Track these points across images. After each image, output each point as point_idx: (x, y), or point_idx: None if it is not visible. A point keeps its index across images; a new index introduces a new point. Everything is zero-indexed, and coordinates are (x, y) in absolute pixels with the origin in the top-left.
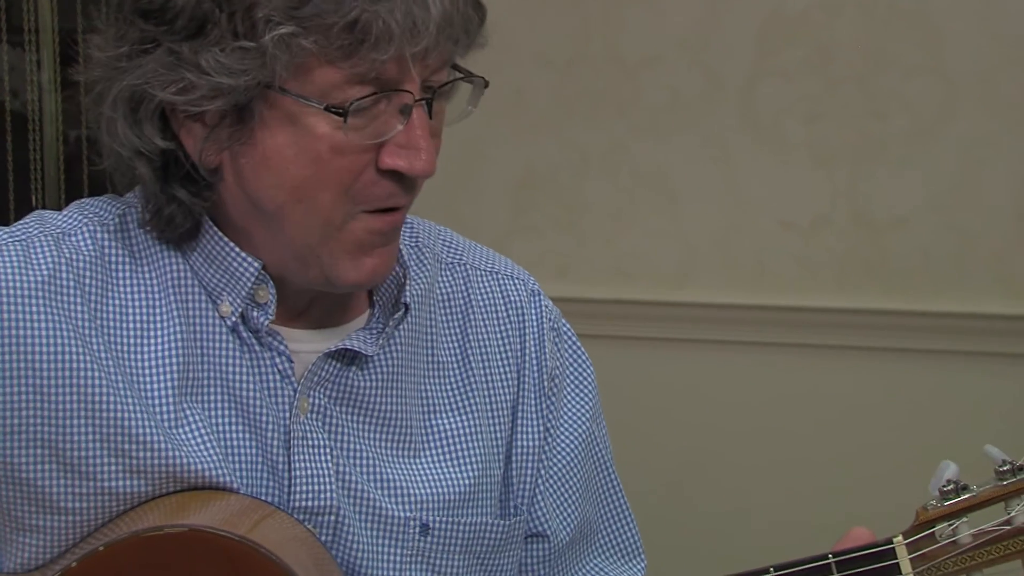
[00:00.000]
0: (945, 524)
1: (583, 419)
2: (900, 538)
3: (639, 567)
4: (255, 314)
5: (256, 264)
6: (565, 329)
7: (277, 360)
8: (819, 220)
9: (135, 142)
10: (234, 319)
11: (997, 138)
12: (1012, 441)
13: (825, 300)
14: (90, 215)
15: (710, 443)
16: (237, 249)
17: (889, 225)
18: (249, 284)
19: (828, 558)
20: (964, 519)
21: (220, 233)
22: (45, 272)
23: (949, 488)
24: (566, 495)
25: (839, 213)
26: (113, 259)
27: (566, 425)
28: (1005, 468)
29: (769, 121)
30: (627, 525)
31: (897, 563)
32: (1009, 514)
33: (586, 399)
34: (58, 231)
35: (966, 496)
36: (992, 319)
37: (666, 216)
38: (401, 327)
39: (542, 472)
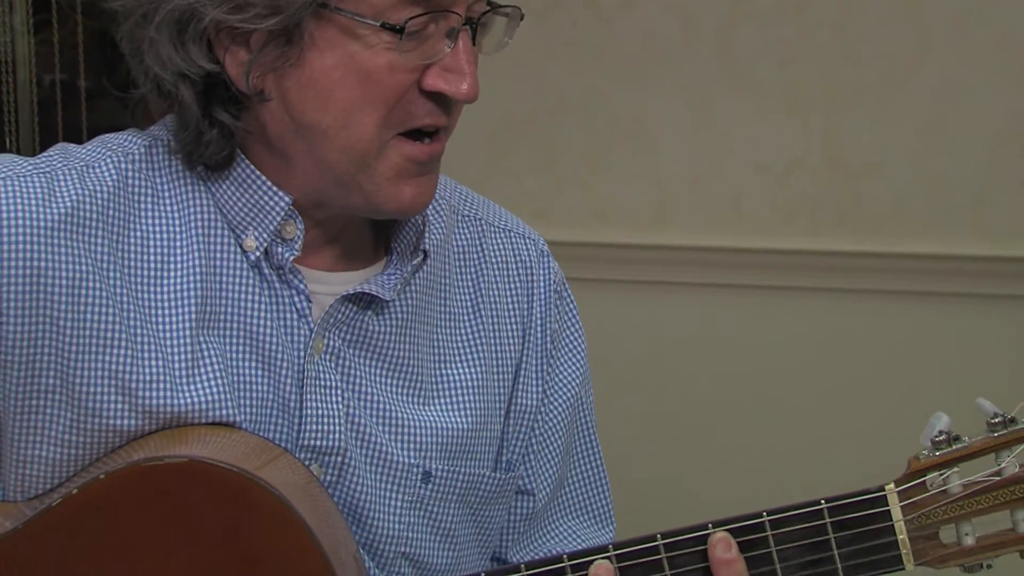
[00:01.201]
0: (936, 474)
1: (573, 383)
2: (892, 486)
3: (608, 533)
4: (280, 250)
5: (287, 199)
6: (566, 293)
7: (296, 299)
8: (794, 164)
9: (180, 64)
10: (257, 254)
11: (970, 83)
12: (983, 377)
13: (799, 243)
14: (114, 147)
15: (686, 384)
16: (269, 183)
17: (863, 169)
18: (278, 219)
19: (820, 503)
20: (955, 469)
21: (252, 166)
22: (68, 205)
23: (941, 439)
24: (550, 455)
25: (813, 157)
26: (136, 191)
27: (558, 387)
28: (996, 420)
29: (744, 65)
30: (602, 491)
31: (888, 510)
32: (999, 465)
33: (577, 364)
34: (82, 164)
35: (958, 447)
36: (964, 260)
37: (642, 160)
38: (417, 275)
39: (534, 431)
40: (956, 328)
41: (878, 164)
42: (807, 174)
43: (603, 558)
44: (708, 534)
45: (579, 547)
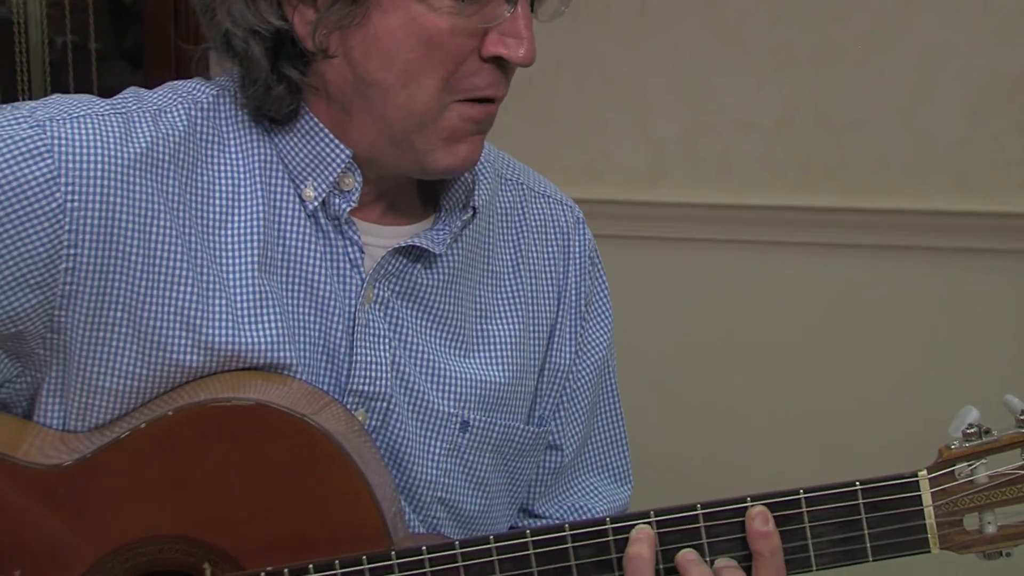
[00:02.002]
0: (965, 464)
1: (601, 346)
2: (924, 472)
3: (626, 492)
4: (337, 201)
5: (347, 152)
6: (599, 261)
7: (350, 249)
8: (781, 122)
9: (251, 21)
10: (315, 204)
11: (953, 42)
12: (964, 328)
13: (787, 199)
14: (184, 95)
15: (677, 335)
16: (331, 135)
17: (848, 126)
18: (338, 170)
19: (855, 485)
20: (983, 461)
21: (316, 118)
22: (144, 145)
23: (972, 431)
24: (576, 414)
25: (801, 115)
26: (204, 138)
27: (587, 349)
28: None
29: (734, 26)
30: (621, 452)
31: (919, 495)
32: None
33: (606, 328)
34: (155, 108)
35: (988, 440)
36: (947, 216)
37: (635, 119)
38: (464, 232)
39: (565, 390)
40: (938, 281)
41: (863, 122)
42: (795, 132)
43: (644, 523)
44: (746, 507)
45: (599, 503)
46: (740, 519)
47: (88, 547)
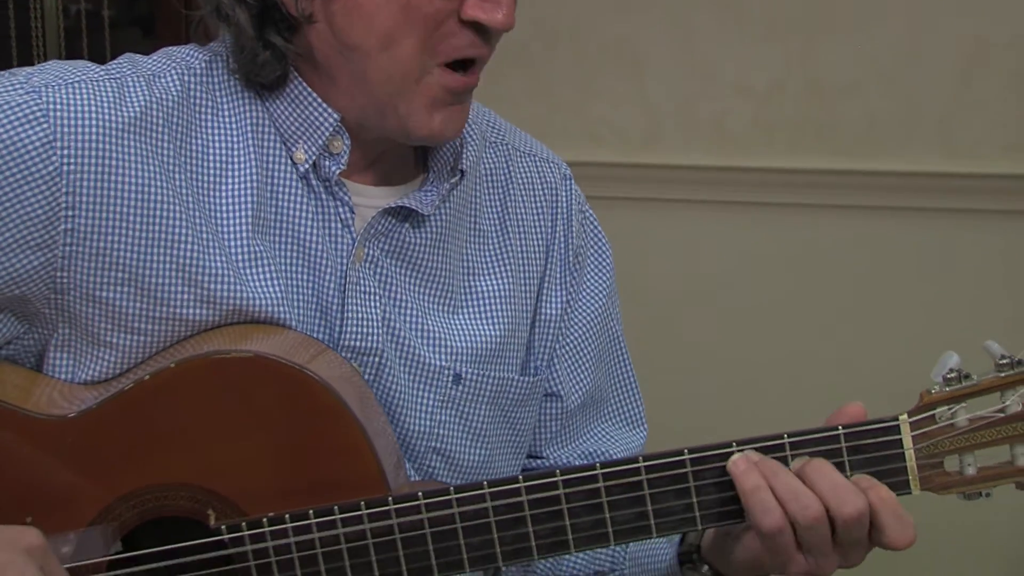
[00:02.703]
0: (945, 408)
1: (601, 295)
2: (905, 416)
3: (641, 435)
4: (327, 163)
5: (335, 116)
6: (589, 213)
7: (341, 210)
8: (774, 86)
9: None
10: (306, 167)
11: (940, 9)
12: (949, 285)
13: (779, 161)
14: (177, 60)
15: (672, 294)
16: (320, 100)
17: (838, 90)
18: (326, 134)
19: (838, 429)
20: (963, 404)
21: (304, 83)
22: (138, 109)
23: (952, 376)
24: (580, 362)
25: (793, 80)
26: (197, 102)
27: (585, 299)
28: (1004, 362)
29: None
30: (633, 397)
31: (900, 439)
32: (1004, 403)
33: (604, 277)
34: (149, 73)
35: (967, 384)
36: (933, 177)
37: (631, 84)
38: (452, 194)
39: (560, 340)
40: (925, 239)
41: (853, 86)
42: (787, 96)
43: (633, 468)
44: (732, 451)
45: (614, 447)
46: (724, 463)
47: (96, 494)
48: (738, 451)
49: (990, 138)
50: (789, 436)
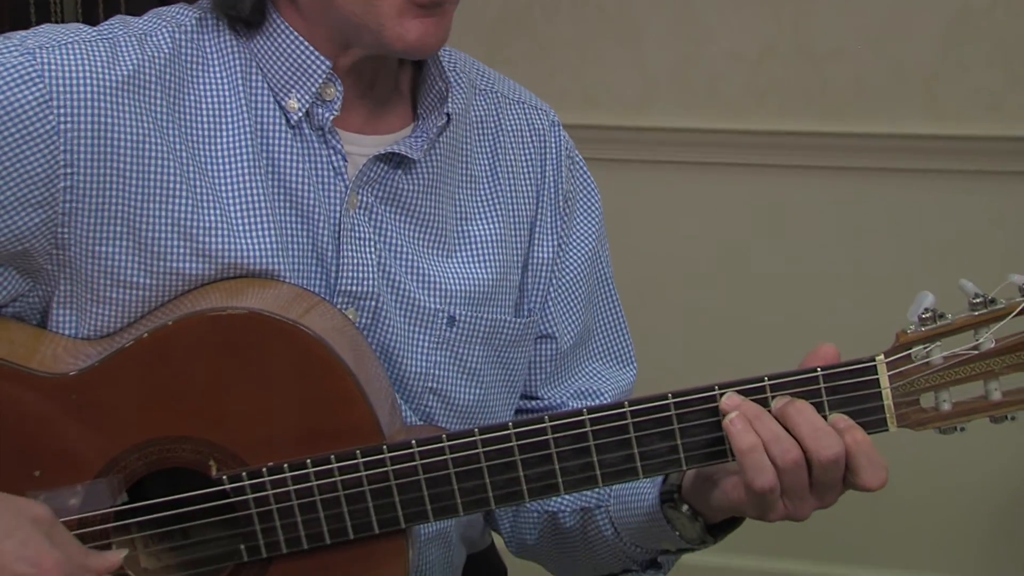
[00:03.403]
0: (921, 347)
1: (591, 238)
2: (882, 357)
3: (631, 373)
4: (320, 111)
5: (327, 63)
6: (578, 158)
7: (334, 158)
8: (766, 51)
9: None
10: (299, 115)
11: None
12: (932, 243)
13: (770, 124)
14: (167, 19)
15: (667, 252)
16: (309, 45)
17: (827, 55)
18: (319, 81)
19: (817, 371)
20: (938, 343)
21: (285, 22)
22: (130, 68)
23: (927, 316)
24: (572, 304)
25: (783, 45)
26: (188, 59)
27: (575, 242)
28: (978, 300)
29: None
30: (623, 336)
31: (877, 378)
32: (977, 341)
33: (594, 221)
34: (140, 32)
35: (942, 323)
36: (918, 139)
37: (628, 49)
38: (441, 141)
39: (553, 282)
40: (909, 200)
41: (841, 51)
42: (778, 61)
43: (619, 413)
44: (715, 395)
45: (605, 385)
46: (709, 406)
47: (101, 448)
48: (720, 393)
49: (974, 101)
50: (769, 379)
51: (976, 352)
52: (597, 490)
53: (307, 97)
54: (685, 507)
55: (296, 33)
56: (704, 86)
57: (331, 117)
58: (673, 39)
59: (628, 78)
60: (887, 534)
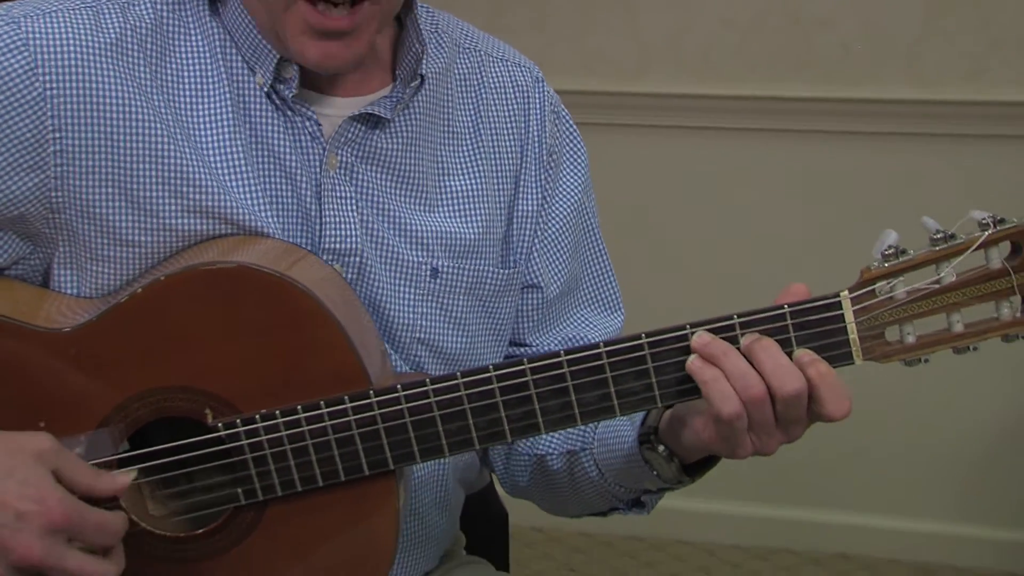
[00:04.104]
0: (884, 282)
1: (576, 190)
2: (846, 293)
3: (618, 319)
4: (280, 87)
5: (275, 54)
6: (563, 112)
7: (307, 124)
8: (756, 20)
9: None
10: (267, 88)
11: None
12: (916, 203)
13: (761, 90)
14: None
15: (661, 214)
16: (259, 36)
17: (815, 24)
18: (273, 64)
19: (784, 308)
20: (901, 279)
21: (244, 10)
22: (113, 35)
23: (890, 252)
24: (558, 254)
25: (773, 13)
26: (170, 28)
27: (561, 194)
28: (938, 236)
29: None
30: (609, 283)
31: (842, 314)
32: (939, 275)
33: (579, 173)
34: (123, 1)
35: (904, 259)
36: (902, 104)
37: (624, 18)
38: (420, 98)
39: (539, 233)
40: (894, 162)
41: (829, 19)
42: (768, 29)
43: (595, 354)
44: (687, 333)
45: (592, 331)
46: (681, 344)
47: (101, 399)
48: (691, 332)
49: (955, 67)
50: (739, 317)
51: (938, 286)
52: (582, 433)
53: (267, 74)
54: (661, 448)
55: (249, 16)
56: (697, 53)
57: (291, 93)
58: (667, 8)
59: (623, 46)
60: (867, 480)
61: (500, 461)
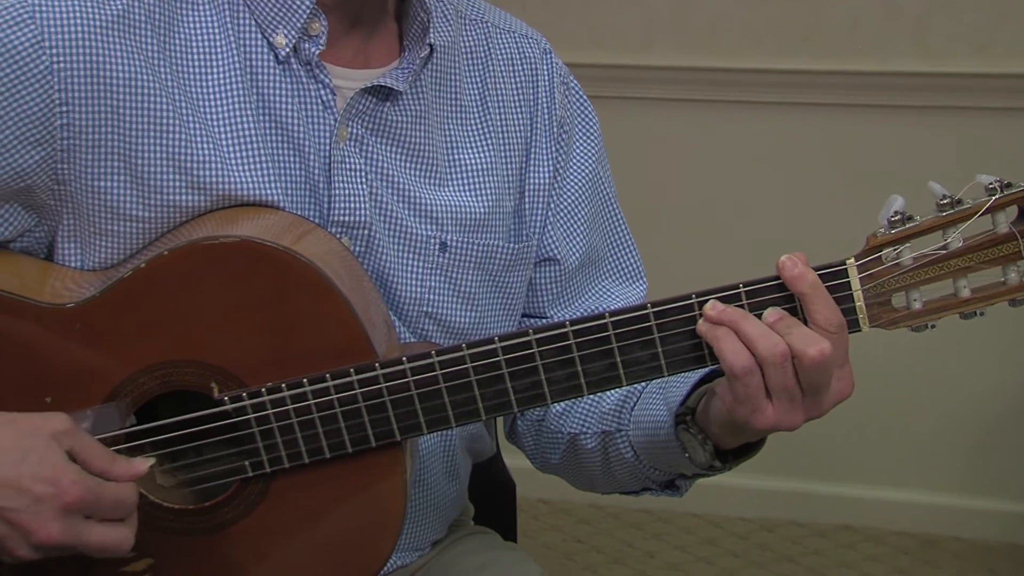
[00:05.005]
0: (891, 249)
1: (590, 160)
2: (852, 260)
3: (641, 287)
4: (307, 45)
5: (309, 2)
6: (573, 83)
7: (321, 92)
8: None
9: None
10: (287, 51)
11: None
12: (923, 173)
13: (767, 62)
14: None
15: (668, 185)
16: None
17: None
18: (304, 16)
19: None
20: (907, 245)
21: None
22: (120, 7)
23: (896, 218)
24: (575, 225)
25: None
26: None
27: (575, 165)
28: (945, 202)
29: None
30: (630, 252)
31: (848, 281)
32: (945, 240)
33: (592, 143)
34: None
35: (910, 225)
36: (909, 76)
37: None
38: (428, 72)
39: (552, 206)
40: (899, 135)
41: None
42: (774, 1)
43: (600, 324)
44: (692, 303)
45: (614, 302)
46: (687, 315)
47: (107, 373)
48: (697, 302)
49: (963, 39)
50: (744, 286)
51: (944, 252)
52: (617, 415)
53: (293, 33)
54: (696, 430)
55: None
56: (703, 26)
57: (317, 51)
58: None
59: (631, 19)
60: (872, 453)
61: (530, 438)
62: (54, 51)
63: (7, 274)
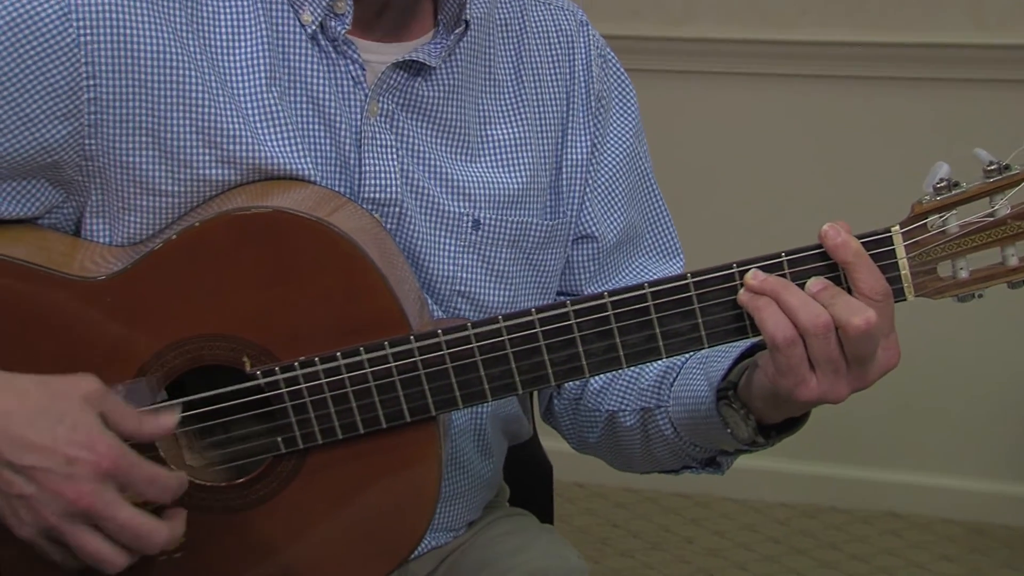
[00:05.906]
0: (936, 216)
1: (627, 135)
2: (897, 227)
3: (678, 264)
4: (333, 23)
5: None
6: (610, 56)
7: (351, 67)
8: None
9: None
10: (314, 27)
11: None
12: (968, 148)
13: (812, 34)
14: None
15: (707, 157)
16: None
17: None
18: None
19: None
20: (953, 212)
21: None
22: None
23: (942, 185)
24: (612, 202)
25: None
26: None
27: (612, 140)
28: (992, 167)
29: None
30: (667, 229)
31: (893, 249)
32: (993, 207)
33: (630, 118)
34: None
35: (956, 192)
36: (962, 48)
37: None
38: (462, 46)
39: (590, 182)
40: (950, 109)
41: None
42: None
43: (639, 295)
44: (733, 272)
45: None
46: (728, 284)
47: (138, 348)
48: (738, 271)
49: (1019, 8)
50: (787, 255)
51: (992, 219)
52: (657, 391)
53: (319, 11)
54: (738, 404)
55: None
56: None
57: (343, 30)
58: None
59: None
60: (918, 438)
61: (567, 417)
62: (81, 23)
63: (34, 247)
